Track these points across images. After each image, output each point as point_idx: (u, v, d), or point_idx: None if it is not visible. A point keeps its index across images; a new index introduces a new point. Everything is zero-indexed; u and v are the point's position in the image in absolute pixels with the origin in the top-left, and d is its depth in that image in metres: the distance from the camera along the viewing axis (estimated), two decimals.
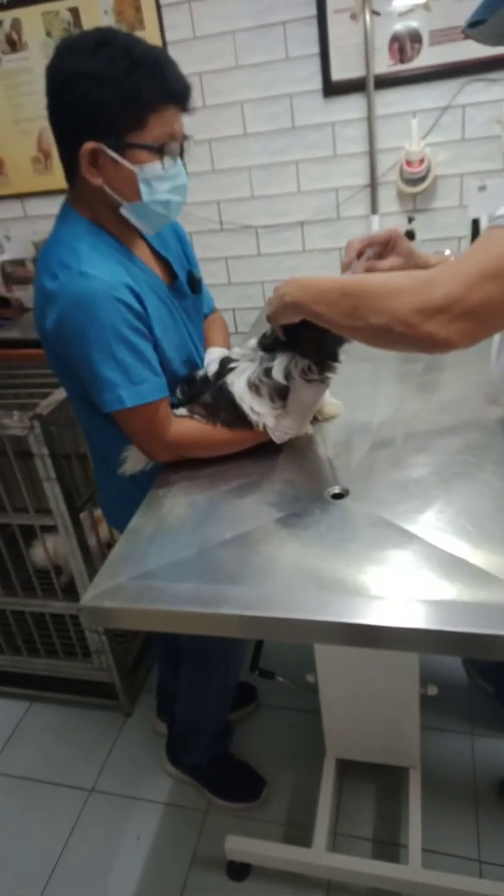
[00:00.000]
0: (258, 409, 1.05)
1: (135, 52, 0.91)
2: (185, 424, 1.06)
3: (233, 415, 1.05)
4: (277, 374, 1.03)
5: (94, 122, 0.92)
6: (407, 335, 0.77)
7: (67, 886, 1.45)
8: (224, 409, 1.06)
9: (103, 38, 0.91)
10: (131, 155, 0.95)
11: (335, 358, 1.04)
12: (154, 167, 0.96)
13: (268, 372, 1.04)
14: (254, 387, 1.04)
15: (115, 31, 0.94)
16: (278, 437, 1.07)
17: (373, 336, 0.83)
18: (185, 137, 1.00)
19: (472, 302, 0.73)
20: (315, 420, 1.19)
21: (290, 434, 1.08)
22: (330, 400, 1.20)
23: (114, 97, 0.90)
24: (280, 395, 1.05)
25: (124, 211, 1.00)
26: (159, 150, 0.95)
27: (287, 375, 1.03)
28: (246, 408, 1.04)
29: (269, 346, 1.06)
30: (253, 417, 1.05)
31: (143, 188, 0.97)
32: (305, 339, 1.01)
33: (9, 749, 1.80)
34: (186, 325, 1.16)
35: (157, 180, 0.98)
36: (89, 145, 0.93)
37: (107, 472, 1.20)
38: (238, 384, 1.05)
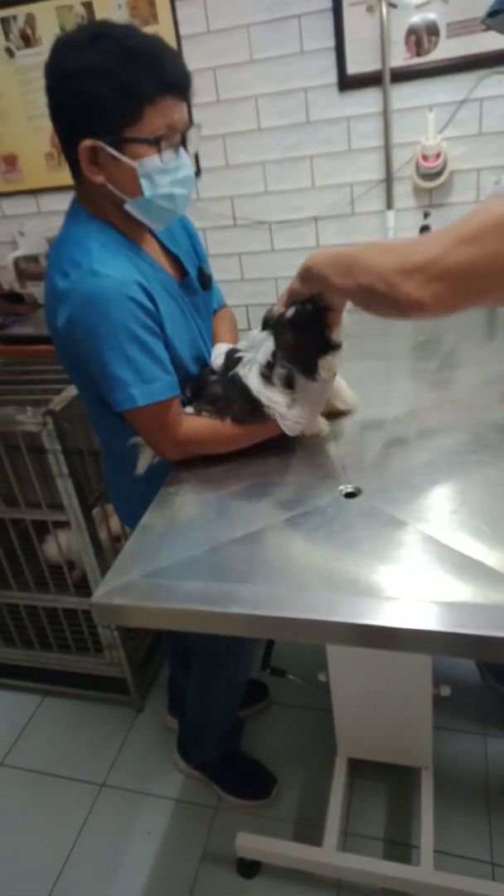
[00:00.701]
0: (275, 398, 1.04)
1: (130, 43, 0.89)
2: (196, 422, 1.06)
3: (245, 407, 1.05)
4: (261, 357, 1.03)
5: (90, 119, 0.92)
6: (387, 294, 0.76)
7: (78, 880, 1.46)
8: (237, 401, 1.05)
9: (98, 32, 0.90)
10: (130, 150, 0.93)
11: (309, 371, 1.02)
12: (153, 161, 0.95)
13: (270, 366, 1.04)
14: (265, 377, 1.04)
15: (110, 23, 0.92)
16: (289, 427, 1.06)
17: (361, 296, 0.82)
18: (189, 126, 0.97)
19: (449, 263, 0.72)
20: (339, 414, 1.17)
21: (301, 424, 1.06)
22: (347, 393, 1.17)
23: (109, 92, 0.89)
24: (290, 382, 1.04)
25: (129, 207, 0.99)
26: (157, 143, 0.93)
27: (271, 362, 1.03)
28: (264, 399, 1.04)
29: (266, 323, 1.06)
30: (270, 406, 1.04)
31: (144, 183, 0.96)
32: (284, 343, 1.00)
33: (21, 743, 1.82)
34: (197, 321, 1.15)
35: (157, 174, 0.96)
36: (87, 143, 0.93)
37: (118, 470, 1.20)
38: (252, 377, 1.04)
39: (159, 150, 0.94)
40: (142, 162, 0.94)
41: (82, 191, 1.03)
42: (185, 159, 0.99)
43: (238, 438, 1.08)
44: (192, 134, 0.98)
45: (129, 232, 1.05)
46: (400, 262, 0.74)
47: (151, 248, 1.11)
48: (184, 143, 0.98)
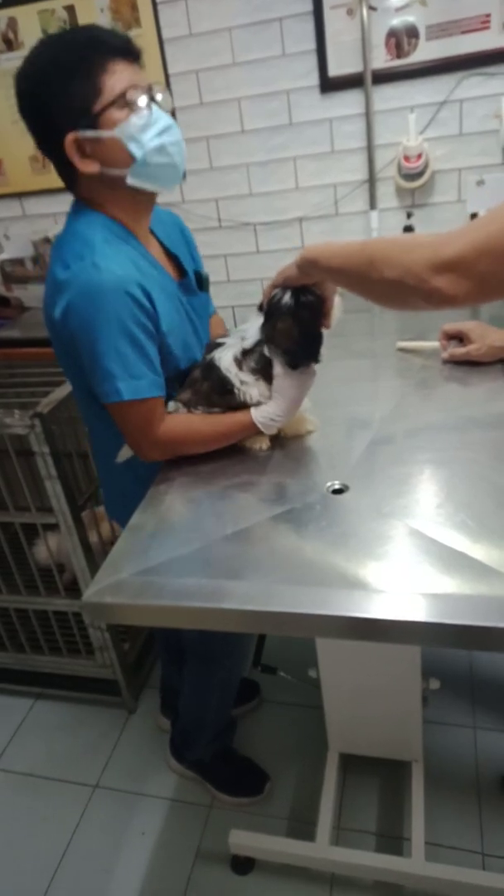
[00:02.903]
0: (244, 378, 1.06)
1: (67, 36, 0.97)
2: (174, 421, 1.07)
3: (214, 386, 1.06)
4: (247, 343, 1.05)
5: (61, 115, 0.96)
6: (418, 289, 0.78)
7: (73, 881, 1.46)
8: (208, 380, 1.07)
9: (40, 44, 0.97)
10: (105, 122, 0.96)
11: (298, 360, 1.04)
12: (130, 122, 0.96)
13: (246, 353, 1.06)
14: (237, 360, 1.06)
15: (47, 36, 0.98)
16: (263, 423, 1.06)
17: (385, 289, 0.84)
18: (150, 87, 0.99)
19: (482, 268, 0.75)
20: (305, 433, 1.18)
21: (276, 422, 1.07)
22: (306, 416, 1.17)
23: (65, 82, 0.94)
24: (264, 374, 1.06)
25: (131, 181, 1.00)
26: (123, 97, 0.96)
27: (258, 348, 1.05)
28: (233, 378, 1.05)
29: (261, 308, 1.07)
30: (239, 388, 1.05)
31: (131, 146, 0.97)
32: (281, 329, 1.02)
33: (13, 746, 1.81)
34: (194, 322, 1.16)
35: (139, 132, 0.97)
36: (69, 137, 0.96)
37: (110, 469, 1.20)
38: (225, 358, 1.06)
39: (130, 107, 0.96)
40: (121, 127, 0.96)
41: (80, 192, 1.05)
42: (162, 113, 1.00)
43: (217, 437, 1.09)
44: (156, 94, 1.00)
45: (132, 226, 1.06)
46: (430, 258, 0.77)
47: (153, 246, 1.12)
48: (153, 99, 0.99)
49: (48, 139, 0.99)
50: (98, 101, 0.95)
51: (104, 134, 0.96)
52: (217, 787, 1.58)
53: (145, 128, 0.97)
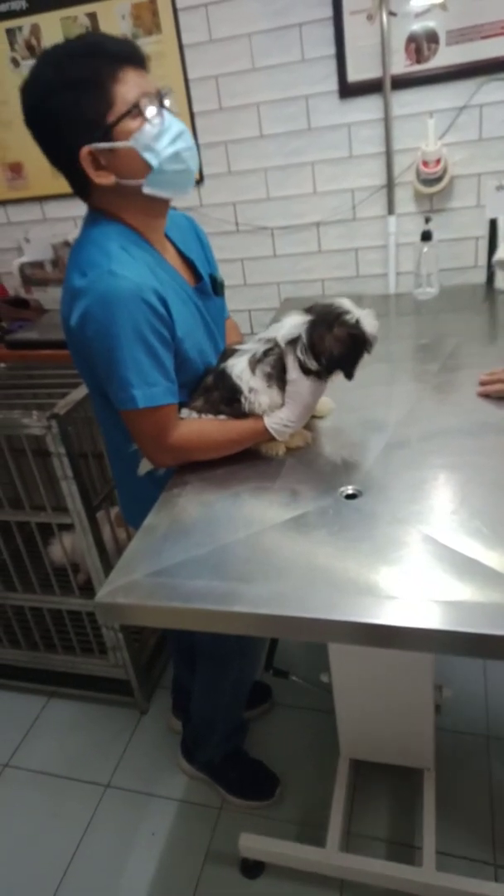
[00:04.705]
0: (255, 385, 1.06)
1: (70, 47, 0.95)
2: (187, 427, 1.07)
3: (224, 395, 1.07)
4: (282, 336, 1.06)
5: (73, 129, 0.95)
6: None
7: (83, 881, 1.47)
8: (220, 389, 1.08)
9: (45, 56, 0.95)
10: (119, 134, 0.96)
11: (331, 369, 1.05)
12: (144, 131, 0.96)
13: (266, 352, 1.06)
14: (253, 362, 1.07)
15: (50, 48, 0.96)
16: (277, 430, 1.07)
17: None
18: (159, 92, 0.98)
19: None
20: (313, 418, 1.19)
21: (289, 428, 1.08)
22: (301, 430, 1.17)
23: (75, 95, 0.93)
24: (278, 380, 1.06)
25: (148, 189, 1.00)
26: (137, 107, 0.95)
27: (276, 350, 1.06)
28: (243, 385, 1.06)
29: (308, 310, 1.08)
30: (248, 395, 1.06)
31: (146, 155, 0.97)
32: (334, 335, 1.02)
33: (26, 744, 1.83)
34: (210, 326, 1.17)
35: (154, 140, 0.97)
36: (84, 151, 0.96)
37: (125, 472, 1.21)
38: (238, 364, 1.07)
39: (143, 116, 0.95)
40: (135, 137, 0.96)
41: (94, 202, 1.05)
42: (173, 118, 0.99)
43: (228, 444, 1.09)
44: (165, 98, 0.99)
45: (147, 233, 1.06)
46: None
47: (168, 251, 1.13)
48: (162, 104, 0.98)
49: (60, 153, 0.99)
50: (111, 113, 0.94)
51: (119, 145, 0.96)
52: (228, 789, 1.58)
53: (159, 136, 0.97)
